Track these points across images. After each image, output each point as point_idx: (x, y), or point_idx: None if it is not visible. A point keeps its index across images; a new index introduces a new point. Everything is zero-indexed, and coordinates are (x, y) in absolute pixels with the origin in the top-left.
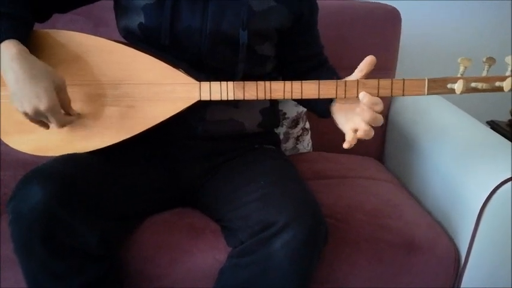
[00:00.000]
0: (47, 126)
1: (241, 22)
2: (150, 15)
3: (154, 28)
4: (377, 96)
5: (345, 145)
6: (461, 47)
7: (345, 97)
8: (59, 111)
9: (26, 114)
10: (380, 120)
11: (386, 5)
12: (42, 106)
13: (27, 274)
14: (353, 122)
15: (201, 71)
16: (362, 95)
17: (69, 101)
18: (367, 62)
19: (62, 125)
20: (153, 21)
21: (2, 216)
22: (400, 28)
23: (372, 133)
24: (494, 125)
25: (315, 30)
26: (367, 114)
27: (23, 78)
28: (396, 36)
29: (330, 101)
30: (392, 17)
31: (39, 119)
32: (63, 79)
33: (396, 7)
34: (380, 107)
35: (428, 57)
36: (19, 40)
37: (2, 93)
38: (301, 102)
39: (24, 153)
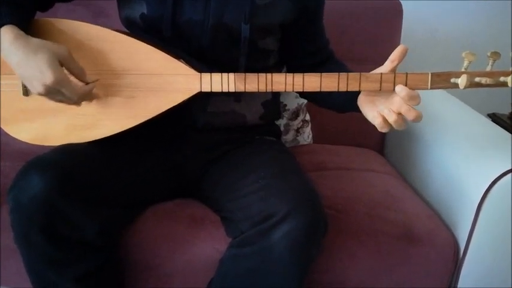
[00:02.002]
0: (73, 103)
1: (243, 16)
2: (153, 6)
3: (157, 19)
4: (379, 90)
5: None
6: (463, 40)
7: (346, 90)
8: (68, 82)
9: (41, 95)
10: (416, 115)
11: None
12: (48, 80)
13: (28, 263)
14: (382, 113)
15: (203, 64)
16: (399, 88)
17: (82, 69)
18: (399, 51)
19: (80, 96)
20: (155, 12)
21: (2, 206)
22: (402, 21)
23: (404, 124)
24: (495, 118)
25: (321, 23)
26: (404, 108)
27: (24, 59)
28: (398, 28)
29: (355, 94)
30: (394, 10)
31: (55, 96)
32: (65, 48)
33: (398, 0)
34: (417, 101)
35: (429, 50)
36: (17, 25)
37: (2, 82)
38: (318, 99)
39: (24, 143)
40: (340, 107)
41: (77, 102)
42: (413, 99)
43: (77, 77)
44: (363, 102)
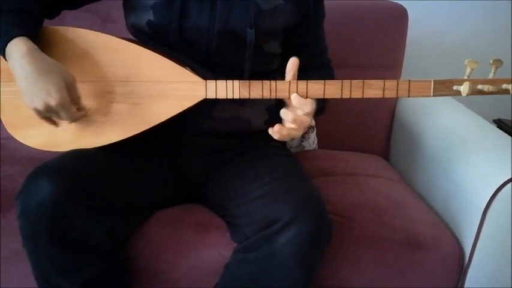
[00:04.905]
0: (55, 123)
1: (248, 21)
2: (159, 13)
3: (163, 26)
4: (382, 96)
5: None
6: (468, 45)
7: (350, 97)
8: (70, 107)
9: (36, 110)
10: (304, 121)
11: (393, 3)
12: (53, 102)
13: (35, 268)
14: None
15: (208, 69)
16: (293, 96)
17: (79, 97)
18: (292, 63)
19: (72, 120)
20: (162, 19)
21: (10, 211)
22: (407, 26)
23: (295, 133)
24: (500, 124)
25: (319, 30)
26: (291, 115)
27: (33, 75)
28: (403, 34)
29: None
30: (399, 15)
31: (49, 115)
32: (72, 75)
33: (403, 5)
34: (308, 108)
35: (434, 55)
36: (29, 36)
37: (8, 89)
38: None
39: (33, 148)
40: None
41: (65, 123)
42: (306, 105)
43: (73, 102)
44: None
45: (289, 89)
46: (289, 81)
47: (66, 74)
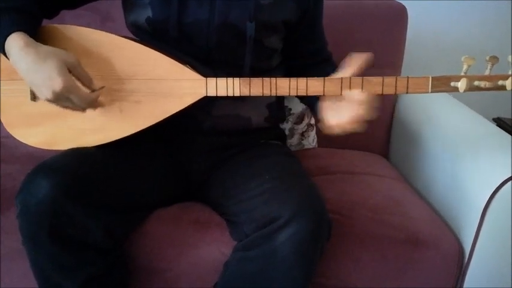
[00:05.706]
0: (81, 109)
1: (248, 14)
2: (158, 9)
3: (162, 21)
4: (381, 93)
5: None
6: (467, 44)
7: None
8: (76, 89)
9: (49, 101)
10: (370, 113)
11: (393, 1)
12: (57, 87)
13: (35, 266)
14: (339, 115)
15: (208, 65)
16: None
17: (89, 76)
18: (359, 58)
19: (87, 103)
20: (160, 14)
21: (10, 209)
22: (407, 25)
23: (362, 126)
24: (500, 122)
25: (320, 25)
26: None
27: (34, 66)
28: (403, 33)
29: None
30: (399, 14)
31: (63, 103)
32: (73, 56)
33: (403, 4)
34: (373, 102)
35: (434, 54)
36: (27, 32)
37: (8, 87)
38: (300, 97)
39: (32, 147)
40: (307, 105)
41: (83, 108)
42: (369, 101)
43: (84, 84)
44: (325, 109)
45: (289, 86)
46: (289, 78)
47: (65, 56)
